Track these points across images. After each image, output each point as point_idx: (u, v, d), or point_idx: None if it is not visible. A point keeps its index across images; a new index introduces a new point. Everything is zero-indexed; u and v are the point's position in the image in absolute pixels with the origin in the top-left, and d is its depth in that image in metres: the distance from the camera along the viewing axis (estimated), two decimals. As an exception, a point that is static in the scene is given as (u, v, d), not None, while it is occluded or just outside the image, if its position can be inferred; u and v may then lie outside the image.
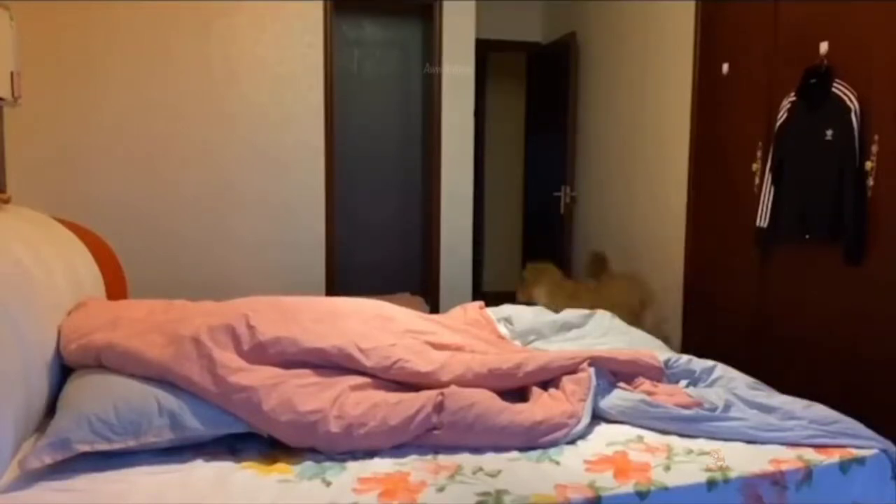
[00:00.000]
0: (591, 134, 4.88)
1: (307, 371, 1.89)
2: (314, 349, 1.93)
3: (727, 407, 1.91)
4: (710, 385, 2.14)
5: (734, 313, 3.33)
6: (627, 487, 1.54)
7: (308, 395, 1.76)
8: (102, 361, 1.80)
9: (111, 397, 1.64)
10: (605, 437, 1.81)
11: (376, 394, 1.85)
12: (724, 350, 3.03)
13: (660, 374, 2.14)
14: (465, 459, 1.67)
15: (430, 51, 4.62)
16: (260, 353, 1.89)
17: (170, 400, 1.68)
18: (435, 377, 1.94)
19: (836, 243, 2.66)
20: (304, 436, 1.68)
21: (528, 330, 2.62)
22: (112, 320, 2.00)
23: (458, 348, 2.17)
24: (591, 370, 2.00)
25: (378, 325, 2.18)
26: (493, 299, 3.41)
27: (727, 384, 2.12)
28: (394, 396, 1.83)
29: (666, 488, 1.55)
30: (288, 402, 1.72)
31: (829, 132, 2.66)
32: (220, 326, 1.90)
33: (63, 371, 1.88)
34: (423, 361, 1.98)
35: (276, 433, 1.70)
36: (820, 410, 1.91)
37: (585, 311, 2.81)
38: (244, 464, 1.62)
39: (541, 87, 5.62)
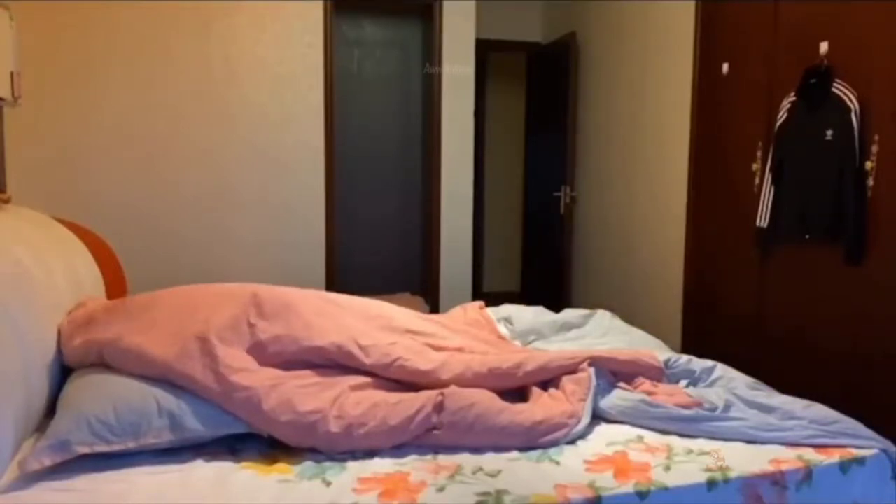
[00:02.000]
0: (591, 134, 4.88)
1: (308, 371, 1.89)
2: (314, 347, 1.93)
3: (727, 407, 1.91)
4: (710, 385, 2.14)
5: (734, 313, 3.32)
6: (627, 487, 1.54)
7: (308, 396, 1.76)
8: (105, 357, 1.80)
9: (111, 398, 1.64)
10: (605, 437, 1.81)
11: (376, 394, 1.85)
12: (724, 350, 3.03)
13: (660, 374, 2.14)
14: (465, 459, 1.67)
15: (430, 51, 4.62)
16: (260, 352, 1.89)
17: (169, 400, 1.68)
18: (435, 376, 1.94)
19: (836, 243, 2.66)
20: (304, 436, 1.68)
21: (528, 330, 2.62)
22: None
23: (458, 350, 2.17)
24: (591, 370, 2.00)
25: (378, 323, 2.18)
26: (493, 299, 3.42)
27: (727, 384, 2.12)
28: (394, 396, 1.83)
29: (666, 488, 1.55)
30: (288, 402, 1.72)
31: (829, 132, 2.66)
32: (223, 324, 1.90)
33: (63, 371, 1.88)
34: (422, 360, 1.99)
35: (276, 433, 1.70)
36: (820, 410, 1.91)
37: (585, 311, 2.81)
38: (244, 464, 1.62)
39: (541, 87, 5.61)
